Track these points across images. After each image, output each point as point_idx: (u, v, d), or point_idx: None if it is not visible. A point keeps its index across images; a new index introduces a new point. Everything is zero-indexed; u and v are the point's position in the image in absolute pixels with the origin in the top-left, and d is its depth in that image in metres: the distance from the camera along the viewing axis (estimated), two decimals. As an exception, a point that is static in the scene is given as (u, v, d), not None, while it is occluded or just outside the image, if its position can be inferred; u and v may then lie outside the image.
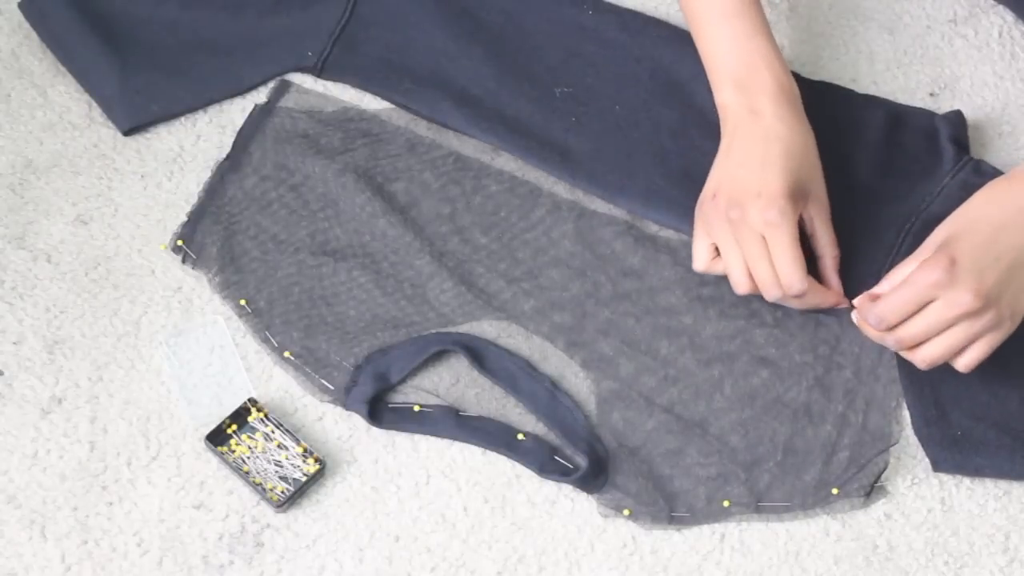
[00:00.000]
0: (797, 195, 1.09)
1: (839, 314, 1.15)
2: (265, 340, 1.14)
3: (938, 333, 1.05)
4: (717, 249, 1.12)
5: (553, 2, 1.29)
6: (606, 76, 1.25)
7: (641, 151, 1.21)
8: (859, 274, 1.15)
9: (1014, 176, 1.08)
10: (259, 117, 1.23)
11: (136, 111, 1.22)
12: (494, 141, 1.21)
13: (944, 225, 1.08)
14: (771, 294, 1.10)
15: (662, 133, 1.22)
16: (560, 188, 1.21)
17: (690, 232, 1.16)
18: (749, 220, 1.08)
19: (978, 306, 1.03)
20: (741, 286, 1.11)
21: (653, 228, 1.20)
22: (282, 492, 1.08)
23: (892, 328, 1.06)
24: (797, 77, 1.27)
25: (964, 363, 1.06)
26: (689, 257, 1.16)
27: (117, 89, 1.22)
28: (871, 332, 1.08)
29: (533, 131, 1.22)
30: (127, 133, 1.22)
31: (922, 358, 1.06)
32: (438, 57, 1.25)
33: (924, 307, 1.04)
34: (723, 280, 1.15)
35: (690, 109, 1.23)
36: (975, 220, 1.06)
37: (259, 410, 1.11)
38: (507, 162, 1.22)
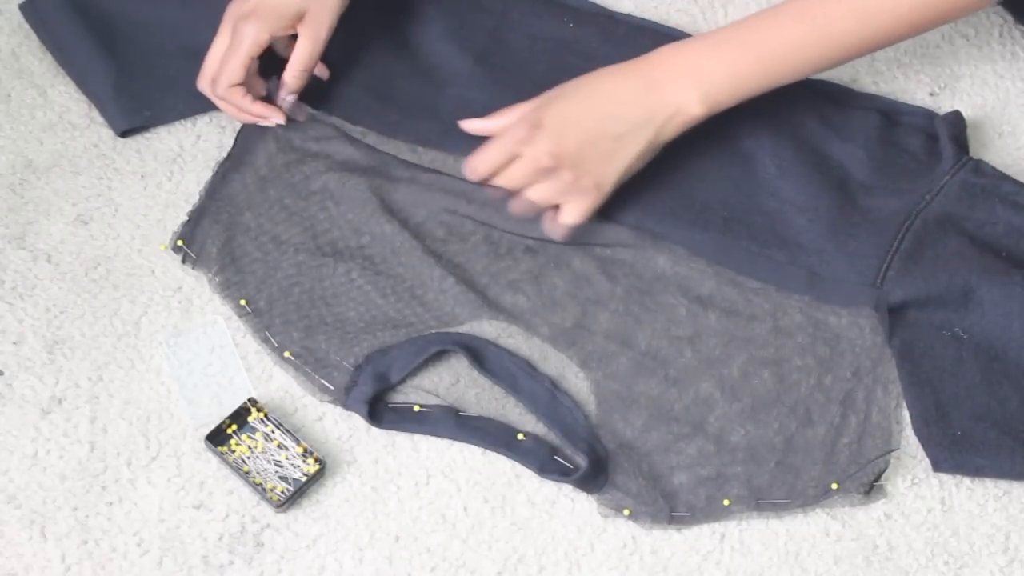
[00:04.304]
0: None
1: (839, 314, 1.15)
2: (265, 340, 1.14)
3: (523, 188, 1.15)
4: None
5: (534, 18, 1.28)
6: None
7: None
8: (858, 272, 1.15)
9: (630, 68, 1.14)
10: (259, 117, 1.23)
11: (132, 114, 1.22)
12: None
13: (550, 92, 1.16)
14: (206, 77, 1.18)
15: None
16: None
17: (687, 237, 1.17)
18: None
19: (553, 165, 1.12)
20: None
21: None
22: (282, 492, 1.08)
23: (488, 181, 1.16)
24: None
25: (560, 222, 1.15)
26: (689, 257, 1.16)
27: (113, 93, 1.22)
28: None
29: None
30: (124, 135, 1.22)
31: (511, 205, 1.16)
32: (423, 83, 1.25)
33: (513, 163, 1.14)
34: (723, 280, 1.15)
35: None
36: (571, 88, 1.14)
37: (259, 410, 1.11)
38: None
